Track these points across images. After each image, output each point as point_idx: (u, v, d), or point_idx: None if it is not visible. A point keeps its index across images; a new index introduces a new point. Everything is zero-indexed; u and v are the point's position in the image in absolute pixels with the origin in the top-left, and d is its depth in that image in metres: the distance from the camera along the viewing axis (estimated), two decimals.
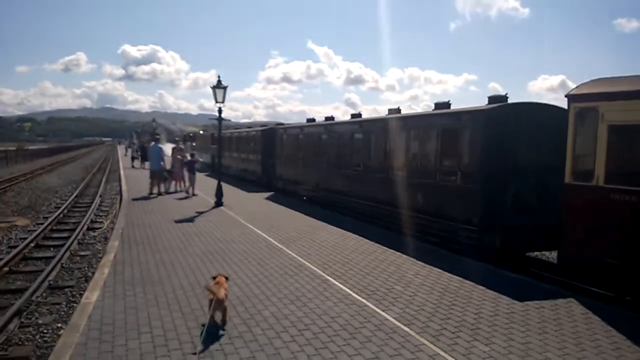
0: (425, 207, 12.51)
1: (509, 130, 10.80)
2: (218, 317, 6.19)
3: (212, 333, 5.92)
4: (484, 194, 10.65)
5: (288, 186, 22.87)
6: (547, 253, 12.13)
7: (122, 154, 63.63)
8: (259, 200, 20.28)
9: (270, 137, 25.71)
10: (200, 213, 15.71)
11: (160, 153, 20.42)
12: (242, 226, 13.50)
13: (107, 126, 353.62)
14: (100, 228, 14.75)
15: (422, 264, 9.68)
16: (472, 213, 10.84)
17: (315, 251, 10.57)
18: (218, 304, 6.06)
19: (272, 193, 22.98)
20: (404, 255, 10.33)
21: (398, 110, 15.85)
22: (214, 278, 6.58)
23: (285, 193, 22.70)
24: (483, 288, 8.15)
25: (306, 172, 20.81)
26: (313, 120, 22.52)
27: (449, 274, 8.92)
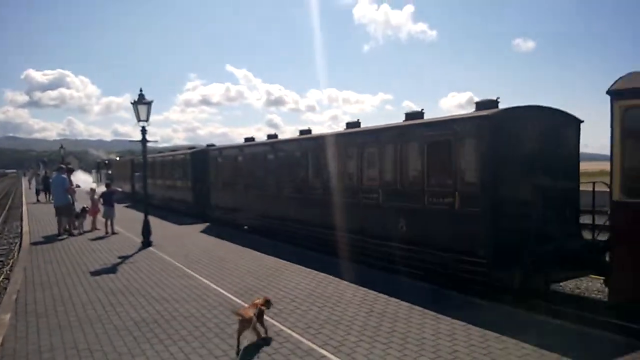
0: (409, 236, 10.38)
1: (516, 138, 9.01)
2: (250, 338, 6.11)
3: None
4: (493, 219, 8.67)
5: (227, 215, 19.99)
6: (570, 284, 10.32)
7: (27, 186, 56.70)
8: (194, 234, 17.24)
9: (202, 160, 22.71)
10: (125, 258, 12.50)
11: (64, 184, 16.81)
12: (182, 274, 10.57)
13: (11, 156, 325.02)
14: None
15: (434, 314, 7.41)
16: (477, 243, 8.82)
17: (289, 307, 7.98)
18: (242, 325, 6.09)
19: (207, 225, 19.95)
20: (404, 302, 8.03)
21: (357, 124, 13.79)
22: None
23: (223, 223, 19.81)
24: (548, 353, 5.95)
25: (249, 198, 18.11)
26: (252, 139, 19.92)
27: (479, 330, 6.70)
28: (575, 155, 10.00)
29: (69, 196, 16.85)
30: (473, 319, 7.10)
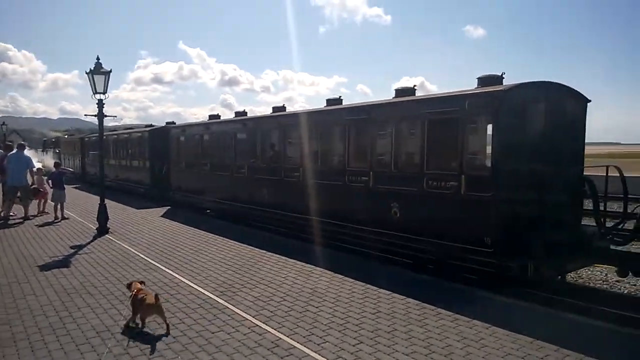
0: (404, 223, 9.42)
1: (529, 117, 8.19)
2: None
3: None
4: (505, 204, 7.82)
5: (189, 198, 18.52)
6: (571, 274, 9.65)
7: None
8: (155, 219, 15.74)
9: (161, 138, 20.98)
10: (79, 248, 10.96)
11: (29, 164, 15.20)
12: (148, 267, 9.22)
13: None
14: None
15: (450, 314, 6.50)
16: (486, 231, 7.94)
17: (282, 307, 6.86)
18: (149, 311, 6.00)
19: (168, 208, 18.48)
20: (412, 300, 7.09)
21: (339, 101, 12.64)
22: (129, 287, 6.42)
23: (185, 207, 18.38)
24: None
25: (215, 181, 16.69)
26: (218, 117, 18.40)
27: (509, 333, 5.82)
28: (582, 137, 9.30)
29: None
30: (495, 319, 6.25)
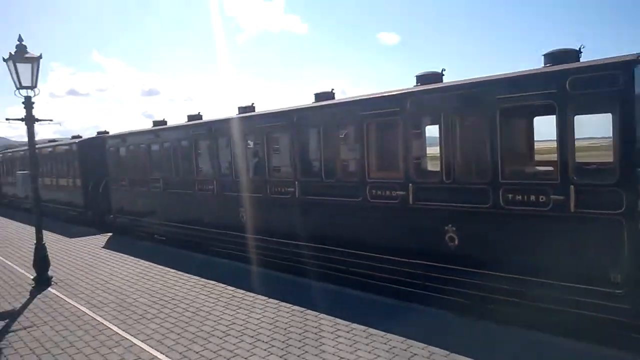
0: (464, 252, 7.14)
1: None
2: None
3: None
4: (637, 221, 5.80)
5: (137, 223, 15.22)
6: None
7: None
8: (98, 253, 12.53)
9: (95, 151, 17.41)
10: (10, 318, 7.61)
11: None
12: (134, 354, 6.23)
13: None
14: None
15: None
16: (610, 263, 5.80)
17: None
18: None
19: (109, 235, 15.25)
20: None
21: (331, 95, 10.08)
22: None
23: (130, 233, 15.33)
24: None
25: (170, 200, 13.63)
26: (164, 122, 15.10)
27: None
28: None
29: None
30: None
